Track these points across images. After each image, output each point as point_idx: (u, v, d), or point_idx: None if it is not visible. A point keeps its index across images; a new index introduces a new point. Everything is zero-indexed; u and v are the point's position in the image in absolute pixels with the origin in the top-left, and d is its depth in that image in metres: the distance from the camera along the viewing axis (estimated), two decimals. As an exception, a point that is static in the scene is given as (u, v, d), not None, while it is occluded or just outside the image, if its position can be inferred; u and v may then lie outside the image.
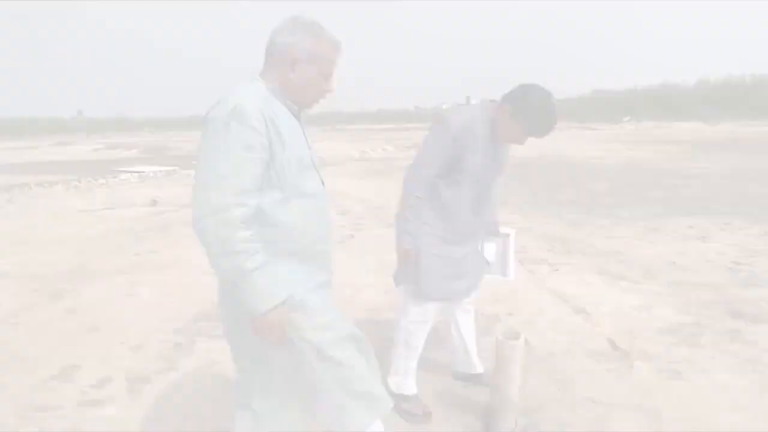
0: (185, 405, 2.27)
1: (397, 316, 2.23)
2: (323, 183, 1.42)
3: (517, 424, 2.02)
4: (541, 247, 4.70)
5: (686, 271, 3.90)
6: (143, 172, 11.99)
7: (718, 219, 5.53)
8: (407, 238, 2.02)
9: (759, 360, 2.52)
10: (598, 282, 3.72)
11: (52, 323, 3.23)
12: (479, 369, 2.37)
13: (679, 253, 4.37)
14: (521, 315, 3.17)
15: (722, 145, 14.36)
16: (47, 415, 2.22)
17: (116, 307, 3.51)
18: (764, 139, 16.07)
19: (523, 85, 1.88)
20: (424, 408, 2.14)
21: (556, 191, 7.73)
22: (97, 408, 2.26)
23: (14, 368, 2.65)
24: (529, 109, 1.82)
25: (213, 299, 1.61)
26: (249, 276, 1.19)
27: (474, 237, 2.17)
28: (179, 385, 2.44)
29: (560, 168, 10.58)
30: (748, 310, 3.12)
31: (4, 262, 4.67)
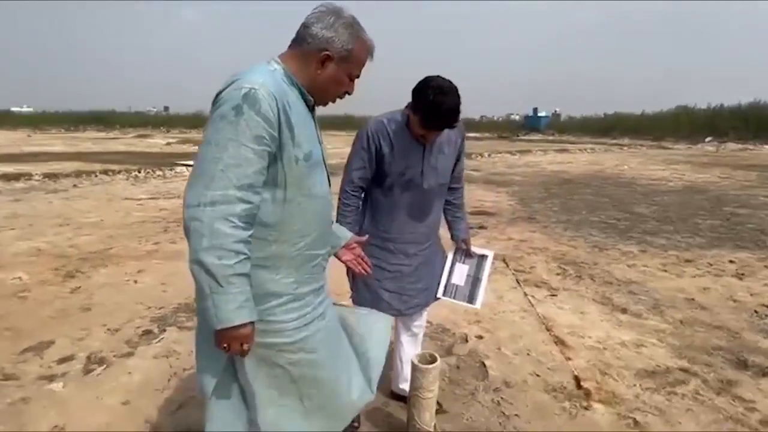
0: (123, 389, 2.37)
1: None
2: (330, 183, 1.35)
3: (430, 453, 1.90)
4: (550, 269, 4.43)
5: (703, 310, 3.50)
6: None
7: (769, 255, 4.92)
8: None
9: (742, 419, 2.20)
10: (595, 312, 3.43)
11: (53, 300, 3.51)
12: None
13: (704, 289, 3.94)
14: (493, 338, 3.00)
15: (812, 173, 12.79)
16: (7, 383, 2.40)
17: (115, 290, 3.74)
18: None
19: (424, 78, 1.79)
20: (352, 426, 2.08)
21: (596, 211, 7.25)
22: (48, 383, 2.42)
23: (4, 337, 2.90)
24: (424, 101, 1.72)
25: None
26: (227, 281, 1.08)
27: (423, 250, 2.06)
28: (129, 370, 2.55)
29: (612, 187, 9.92)
30: (757, 361, 2.74)
31: (42, 240, 5.14)
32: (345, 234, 1.58)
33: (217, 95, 1.14)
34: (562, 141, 29.92)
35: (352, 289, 2.09)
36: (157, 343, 2.87)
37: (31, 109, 59.04)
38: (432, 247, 2.12)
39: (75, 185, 9.25)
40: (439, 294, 2.18)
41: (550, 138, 34.32)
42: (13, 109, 57.38)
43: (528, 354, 2.80)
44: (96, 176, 10.25)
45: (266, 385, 1.30)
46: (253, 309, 1.14)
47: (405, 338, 2.22)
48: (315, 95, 1.27)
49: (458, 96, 1.76)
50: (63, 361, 2.64)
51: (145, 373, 2.52)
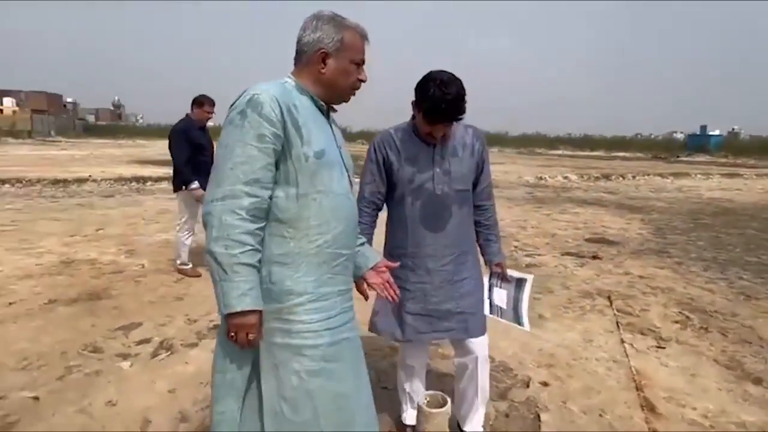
0: (175, 377, 2.54)
1: None
2: (351, 184, 1.38)
3: None
4: (667, 315, 3.67)
5: None
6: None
7: None
8: None
9: None
10: (712, 377, 2.71)
11: (159, 287, 3.98)
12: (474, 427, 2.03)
13: None
14: (562, 387, 2.54)
15: None
16: (92, 355, 2.76)
17: (209, 284, 4.10)
18: None
19: (427, 73, 1.71)
20: None
21: (756, 250, 5.88)
22: (121, 360, 2.71)
23: (111, 315, 3.36)
24: (426, 94, 1.66)
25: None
26: (232, 269, 1.15)
27: (445, 265, 1.83)
28: (186, 360, 2.74)
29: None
30: None
31: (168, 234, 5.92)
32: (374, 256, 1.54)
33: (231, 106, 1.25)
34: (737, 164, 25.32)
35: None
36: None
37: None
38: (458, 263, 1.86)
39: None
40: (486, 311, 1.99)
41: (721, 160, 29.22)
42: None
43: (600, 415, 2.31)
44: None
45: (278, 394, 1.25)
46: (257, 298, 1.18)
47: (458, 369, 2.00)
48: (329, 93, 1.33)
49: (461, 86, 1.68)
50: (141, 342, 2.95)
51: (198, 365, 2.68)
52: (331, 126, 1.37)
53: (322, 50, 1.28)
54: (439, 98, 1.63)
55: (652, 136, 50.41)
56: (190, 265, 4.35)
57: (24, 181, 10.16)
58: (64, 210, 7.46)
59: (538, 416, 2.29)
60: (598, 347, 3.06)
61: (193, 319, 3.33)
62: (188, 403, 2.32)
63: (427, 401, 1.68)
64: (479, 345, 1.92)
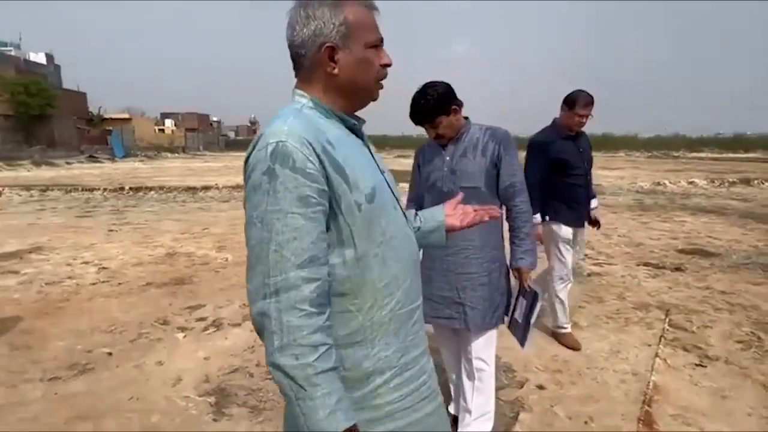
0: (213, 348, 3.02)
1: None
2: (404, 214, 1.08)
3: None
4: (733, 334, 3.24)
5: None
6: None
7: None
8: None
9: None
10: (747, 401, 2.39)
11: (232, 277, 4.63)
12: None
13: None
14: (558, 393, 2.47)
15: None
16: (161, 327, 3.40)
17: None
18: None
19: None
20: None
21: None
22: (180, 332, 3.30)
23: (186, 297, 4.05)
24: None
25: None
26: (310, 383, 0.86)
27: (448, 255, 1.94)
28: (227, 336, 3.23)
29: None
30: None
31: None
32: (436, 211, 1.31)
33: (246, 161, 0.93)
34: None
35: None
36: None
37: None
38: (465, 257, 1.94)
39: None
40: (506, 324, 2.06)
41: None
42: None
43: (586, 422, 2.23)
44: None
45: None
46: (349, 410, 0.90)
47: (464, 367, 2.09)
48: (353, 99, 1.02)
49: (429, 93, 1.84)
50: (199, 320, 3.53)
51: (234, 341, 3.15)
52: (368, 147, 1.07)
53: (326, 44, 0.96)
54: (411, 104, 1.89)
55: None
56: None
57: (165, 188, 12.20)
58: (186, 212, 8.85)
59: (517, 416, 2.29)
60: (623, 359, 2.87)
61: (246, 305, 3.85)
62: (215, 369, 2.78)
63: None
64: (478, 346, 1.98)
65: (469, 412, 2.02)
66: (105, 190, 12.09)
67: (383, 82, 1.04)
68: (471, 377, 2.02)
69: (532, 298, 1.93)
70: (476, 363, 1.99)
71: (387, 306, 0.98)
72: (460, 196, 1.34)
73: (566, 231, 3.01)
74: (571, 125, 2.93)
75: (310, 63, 0.98)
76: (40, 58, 35.08)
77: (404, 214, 1.07)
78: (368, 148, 1.06)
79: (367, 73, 0.99)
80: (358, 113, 1.07)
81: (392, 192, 1.05)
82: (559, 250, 3.02)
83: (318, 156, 0.89)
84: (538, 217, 2.95)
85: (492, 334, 2.00)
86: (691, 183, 13.58)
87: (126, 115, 41.25)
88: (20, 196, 11.36)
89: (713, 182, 13.69)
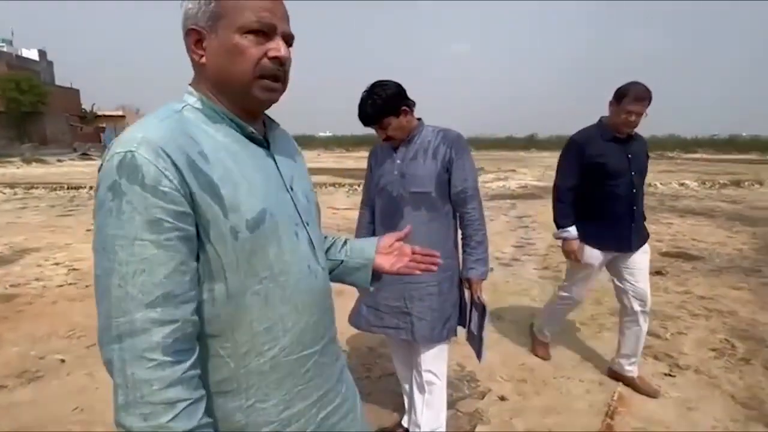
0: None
1: None
2: (314, 243, 0.90)
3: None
4: (707, 341, 3.17)
5: None
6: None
7: None
8: None
9: None
10: (714, 413, 2.31)
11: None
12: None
13: None
14: (520, 403, 2.39)
15: None
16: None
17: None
18: None
19: None
20: None
21: None
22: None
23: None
24: None
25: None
26: None
27: None
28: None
29: None
30: None
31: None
32: (367, 246, 1.11)
33: (99, 171, 0.75)
34: None
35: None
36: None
37: (330, 134, 74.11)
38: None
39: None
40: (466, 336, 2.00)
41: None
42: (319, 134, 73.27)
43: (544, 436, 2.15)
44: (324, 188, 12.36)
45: None
46: None
47: (413, 377, 1.98)
48: (230, 93, 0.82)
49: (377, 93, 1.77)
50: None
51: (194, 347, 3.05)
52: (272, 156, 0.87)
53: (191, 27, 0.80)
54: (359, 104, 1.82)
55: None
56: None
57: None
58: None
59: (474, 428, 2.21)
60: (590, 367, 2.80)
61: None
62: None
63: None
64: (427, 358, 1.88)
65: (419, 426, 1.94)
66: (91, 188, 11.97)
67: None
68: (421, 390, 1.93)
69: (482, 310, 1.84)
70: (426, 376, 1.91)
71: (268, 353, 0.82)
72: (408, 229, 1.13)
73: (591, 255, 2.49)
74: (618, 124, 2.35)
75: (188, 53, 0.82)
76: (32, 54, 34.86)
77: (313, 242, 0.89)
78: (273, 159, 0.87)
79: (237, 64, 0.79)
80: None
81: (299, 216, 0.87)
82: (575, 272, 2.63)
83: (179, 171, 0.72)
84: (572, 230, 2.50)
85: (443, 348, 1.91)
86: (682, 185, 13.53)
87: (120, 113, 41.04)
88: (4, 194, 11.22)
89: (704, 184, 13.65)
